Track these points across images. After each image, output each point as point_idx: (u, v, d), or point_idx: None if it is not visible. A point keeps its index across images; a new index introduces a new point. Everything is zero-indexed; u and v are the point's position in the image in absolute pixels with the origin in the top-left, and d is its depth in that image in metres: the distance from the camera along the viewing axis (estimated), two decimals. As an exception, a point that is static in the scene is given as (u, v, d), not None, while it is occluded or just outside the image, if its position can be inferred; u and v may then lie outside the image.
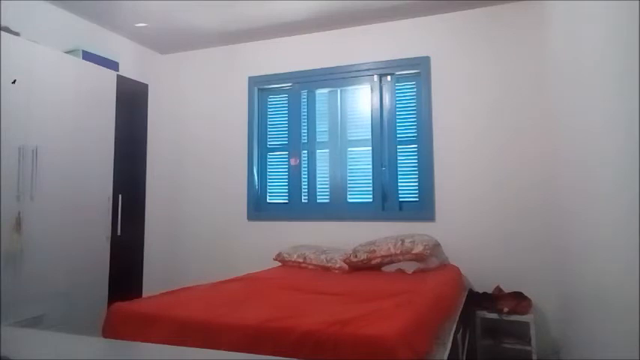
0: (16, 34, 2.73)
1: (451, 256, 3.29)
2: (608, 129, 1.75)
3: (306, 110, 3.99)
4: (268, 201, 4.04)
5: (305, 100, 3.99)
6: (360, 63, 3.76)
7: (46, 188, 2.77)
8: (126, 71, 3.56)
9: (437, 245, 3.14)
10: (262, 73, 4.07)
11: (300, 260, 3.31)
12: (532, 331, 2.90)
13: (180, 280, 3.16)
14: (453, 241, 3.35)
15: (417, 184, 3.59)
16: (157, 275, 3.88)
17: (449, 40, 3.53)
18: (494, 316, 2.97)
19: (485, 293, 3.16)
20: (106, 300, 3.02)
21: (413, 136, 3.65)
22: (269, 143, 4.12)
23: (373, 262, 3.05)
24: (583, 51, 2.12)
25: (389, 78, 3.74)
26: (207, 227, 4.08)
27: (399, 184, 3.64)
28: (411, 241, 3.02)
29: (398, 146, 3.67)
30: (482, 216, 3.33)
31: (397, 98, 3.72)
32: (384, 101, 3.74)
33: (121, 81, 3.38)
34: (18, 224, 2.60)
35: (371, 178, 3.73)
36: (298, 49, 3.97)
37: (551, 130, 3.04)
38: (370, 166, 3.73)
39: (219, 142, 4.16)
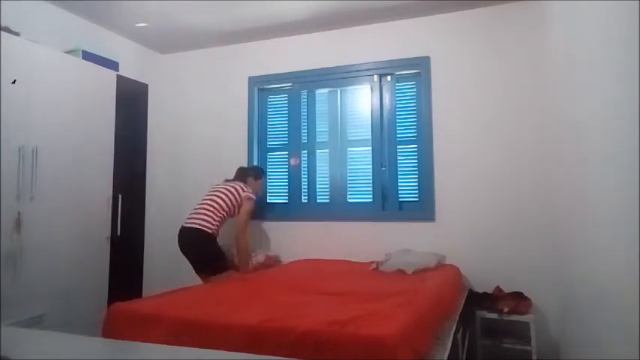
0: (16, 34, 2.73)
1: (451, 256, 3.30)
2: (608, 129, 1.75)
3: (306, 110, 3.99)
4: (268, 201, 4.04)
5: (305, 100, 3.99)
6: (360, 63, 3.76)
7: (46, 188, 2.77)
8: (126, 71, 3.56)
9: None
10: (262, 73, 4.07)
11: None
12: (532, 331, 2.90)
13: (180, 280, 3.15)
14: (453, 241, 3.35)
15: (417, 184, 3.59)
16: (157, 275, 3.88)
17: (449, 40, 3.53)
18: (494, 316, 2.97)
19: (485, 293, 3.16)
20: (106, 300, 3.02)
21: (413, 136, 3.65)
22: (269, 143, 4.11)
23: None
24: (583, 51, 2.12)
25: (389, 78, 3.74)
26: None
27: (399, 184, 3.64)
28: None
29: (398, 146, 3.67)
30: (483, 216, 3.33)
31: (397, 98, 3.72)
32: (384, 101, 3.74)
33: (121, 81, 3.38)
34: (18, 224, 2.60)
35: (371, 178, 3.73)
36: (298, 49, 3.97)
37: (551, 129, 3.04)
38: (370, 166, 3.73)
39: (219, 142, 4.16)
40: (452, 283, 2.82)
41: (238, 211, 3.35)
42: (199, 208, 3.30)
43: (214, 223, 3.23)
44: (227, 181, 3.52)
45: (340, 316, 1.72)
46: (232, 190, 3.37)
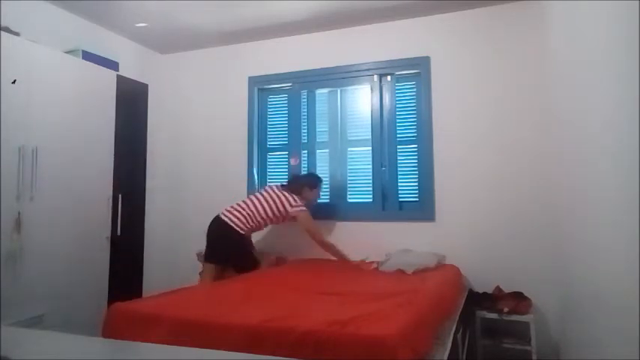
0: (16, 34, 2.73)
1: (451, 256, 3.29)
2: (609, 129, 1.75)
3: (306, 110, 3.99)
4: (268, 201, 4.04)
5: (305, 100, 3.99)
6: (360, 63, 3.76)
7: (46, 188, 2.77)
8: (126, 71, 3.56)
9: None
10: (262, 73, 4.06)
11: None
12: (532, 331, 2.90)
13: (180, 280, 3.16)
14: (453, 241, 3.35)
15: (417, 184, 3.59)
16: (157, 275, 3.88)
17: (449, 40, 3.53)
18: (494, 316, 2.97)
19: (485, 293, 3.16)
20: (106, 300, 3.02)
21: (413, 136, 3.65)
22: (269, 143, 4.11)
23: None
24: (583, 51, 2.12)
25: (389, 78, 3.74)
26: (207, 227, 4.07)
27: (399, 184, 3.64)
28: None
29: (398, 146, 3.67)
30: (483, 216, 3.33)
31: (397, 98, 3.72)
32: (384, 101, 3.74)
33: (121, 81, 3.38)
34: (18, 224, 2.60)
35: (371, 178, 3.72)
36: (298, 49, 3.97)
37: (552, 130, 3.04)
38: (370, 166, 3.73)
39: (219, 142, 4.16)
40: (452, 283, 2.82)
41: (282, 221, 3.35)
42: (242, 204, 3.30)
43: (248, 225, 3.22)
44: (282, 186, 3.45)
45: (340, 316, 1.72)
46: (278, 201, 3.30)
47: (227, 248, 3.23)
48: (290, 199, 3.30)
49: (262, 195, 3.35)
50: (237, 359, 1.13)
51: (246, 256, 3.26)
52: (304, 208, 3.31)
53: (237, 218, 3.21)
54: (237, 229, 3.19)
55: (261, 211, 3.26)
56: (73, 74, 3.03)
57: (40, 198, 2.73)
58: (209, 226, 3.29)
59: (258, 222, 3.26)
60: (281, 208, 3.27)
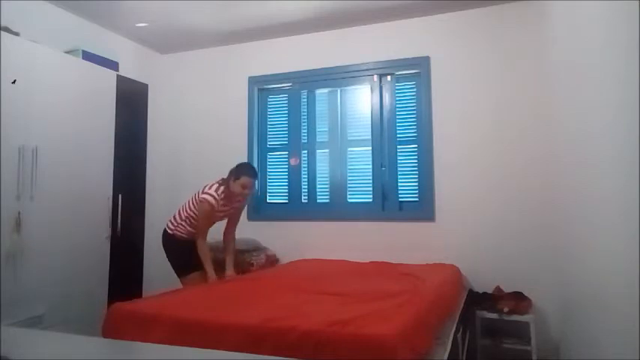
0: (16, 34, 2.74)
1: (451, 256, 3.29)
2: (609, 130, 1.75)
3: (306, 110, 3.99)
4: (268, 201, 4.04)
5: (305, 100, 3.99)
6: (360, 63, 3.76)
7: (46, 188, 2.77)
8: (126, 71, 3.55)
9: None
10: (262, 73, 4.06)
11: None
12: (532, 331, 2.90)
13: (180, 280, 3.16)
14: (453, 241, 3.35)
15: (417, 184, 3.59)
16: (157, 275, 3.87)
17: (449, 40, 3.53)
18: (494, 316, 2.97)
19: (485, 293, 3.16)
20: (106, 300, 3.02)
21: (413, 136, 3.65)
22: (269, 143, 4.11)
23: None
24: (583, 51, 2.12)
25: (389, 78, 3.74)
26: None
27: (399, 184, 3.64)
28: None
29: (398, 146, 3.67)
30: (483, 216, 3.33)
31: (397, 98, 3.72)
32: (384, 101, 3.74)
33: (121, 81, 3.38)
34: (18, 224, 2.60)
35: (371, 178, 3.73)
36: (298, 49, 3.97)
37: (552, 130, 3.04)
38: (370, 166, 3.73)
39: (219, 142, 4.15)
40: (452, 283, 2.82)
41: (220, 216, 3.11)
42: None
43: (175, 223, 3.06)
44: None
45: (340, 316, 1.72)
46: (197, 192, 3.06)
47: (166, 253, 3.09)
48: (208, 187, 3.00)
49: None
50: (237, 359, 1.13)
51: (180, 257, 3.04)
52: (210, 198, 2.92)
53: (170, 220, 3.11)
54: (167, 229, 3.08)
55: (185, 206, 3.06)
56: (73, 74, 3.03)
57: (40, 198, 2.73)
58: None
59: (185, 218, 3.02)
60: (196, 196, 3.02)
